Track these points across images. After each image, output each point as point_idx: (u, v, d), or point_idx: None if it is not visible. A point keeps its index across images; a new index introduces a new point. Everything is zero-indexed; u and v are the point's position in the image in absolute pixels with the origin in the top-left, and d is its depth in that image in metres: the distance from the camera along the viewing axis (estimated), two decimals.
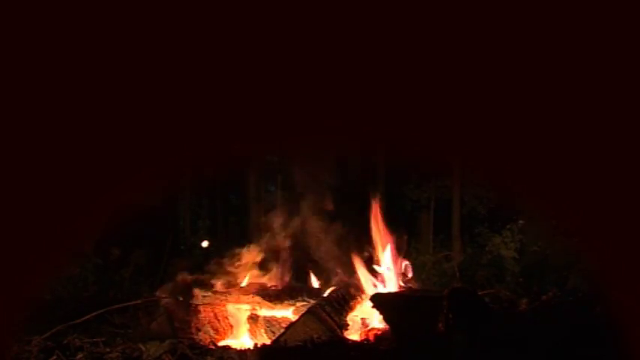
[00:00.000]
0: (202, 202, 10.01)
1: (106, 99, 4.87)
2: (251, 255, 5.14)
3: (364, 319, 4.56)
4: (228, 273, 5.04)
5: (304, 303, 4.54)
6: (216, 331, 4.60)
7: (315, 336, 4.06)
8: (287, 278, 5.13)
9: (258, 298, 4.62)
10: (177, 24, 5.01)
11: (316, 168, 5.47)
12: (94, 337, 4.22)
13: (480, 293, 5.15)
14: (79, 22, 4.65)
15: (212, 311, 4.64)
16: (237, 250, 5.18)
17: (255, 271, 5.09)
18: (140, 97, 5.08)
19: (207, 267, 5.11)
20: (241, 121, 5.84)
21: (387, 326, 4.26)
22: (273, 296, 4.64)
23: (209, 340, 4.42)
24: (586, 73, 4.79)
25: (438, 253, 8.11)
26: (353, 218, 5.26)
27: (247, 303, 4.65)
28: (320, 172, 5.47)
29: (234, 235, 8.94)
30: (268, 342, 4.19)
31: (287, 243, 5.27)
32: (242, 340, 4.51)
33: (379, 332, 4.30)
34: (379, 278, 4.82)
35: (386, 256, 4.87)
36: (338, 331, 4.19)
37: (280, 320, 4.43)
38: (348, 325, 4.33)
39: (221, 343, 4.34)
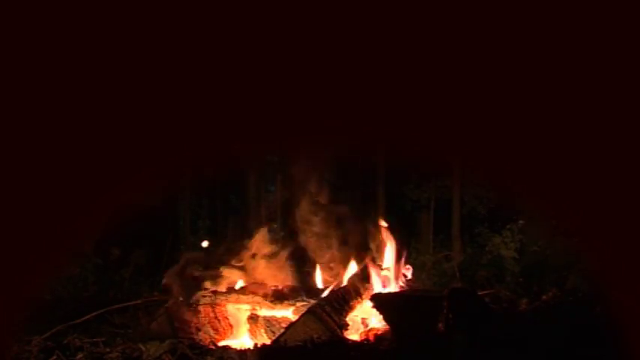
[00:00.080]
0: (202, 202, 10.00)
1: (106, 99, 4.88)
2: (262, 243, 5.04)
3: (364, 319, 4.56)
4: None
5: (304, 303, 4.52)
6: (216, 331, 4.59)
7: (315, 336, 4.05)
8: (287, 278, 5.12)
9: (258, 298, 4.62)
10: (177, 24, 5.01)
11: (316, 162, 5.41)
12: (94, 337, 4.21)
13: (479, 293, 5.15)
14: (79, 22, 4.65)
15: (212, 311, 4.63)
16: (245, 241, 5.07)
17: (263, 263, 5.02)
18: (140, 97, 5.08)
19: (217, 256, 5.04)
20: (241, 121, 5.84)
21: (387, 326, 4.26)
22: (273, 296, 4.63)
23: (209, 340, 4.41)
24: (586, 73, 4.79)
25: (438, 253, 8.10)
26: (353, 218, 5.25)
27: (247, 303, 4.65)
28: (320, 168, 5.42)
29: (234, 235, 8.92)
30: (268, 342, 4.18)
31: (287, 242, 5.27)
32: (242, 340, 4.50)
33: (379, 332, 4.30)
34: (381, 278, 4.81)
35: (386, 256, 4.86)
36: (338, 331, 4.18)
37: (280, 320, 4.42)
38: (348, 325, 4.32)
39: (221, 343, 4.33)
